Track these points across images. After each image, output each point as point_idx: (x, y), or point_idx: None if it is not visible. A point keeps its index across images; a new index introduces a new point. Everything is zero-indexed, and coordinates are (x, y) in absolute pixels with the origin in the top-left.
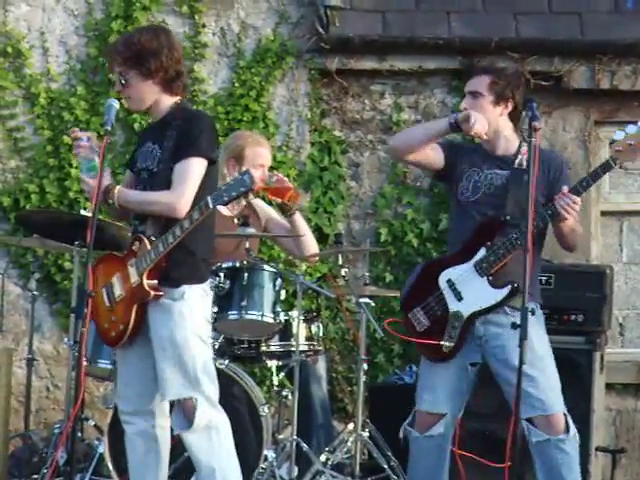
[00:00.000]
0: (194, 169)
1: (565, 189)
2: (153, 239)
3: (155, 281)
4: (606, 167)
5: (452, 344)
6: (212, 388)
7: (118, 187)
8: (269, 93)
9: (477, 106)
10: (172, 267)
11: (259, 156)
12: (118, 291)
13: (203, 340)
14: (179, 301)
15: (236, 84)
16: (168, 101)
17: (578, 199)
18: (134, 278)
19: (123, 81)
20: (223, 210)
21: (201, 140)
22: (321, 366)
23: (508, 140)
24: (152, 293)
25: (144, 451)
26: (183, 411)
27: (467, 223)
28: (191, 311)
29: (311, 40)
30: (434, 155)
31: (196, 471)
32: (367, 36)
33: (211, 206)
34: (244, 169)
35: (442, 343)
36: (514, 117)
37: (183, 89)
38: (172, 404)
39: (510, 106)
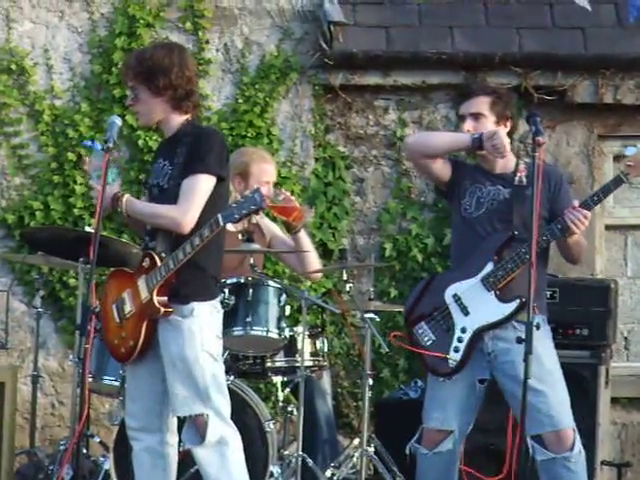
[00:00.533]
0: (201, 185)
1: (576, 203)
2: (163, 255)
3: (165, 298)
4: (617, 182)
5: (458, 359)
6: (224, 403)
7: (127, 196)
8: (273, 109)
9: (480, 127)
10: (182, 284)
11: (265, 173)
12: (128, 307)
13: (213, 356)
14: (188, 318)
15: (240, 100)
16: (178, 119)
17: (588, 214)
18: (144, 294)
19: (133, 96)
20: (228, 226)
21: (210, 157)
22: (326, 381)
23: (507, 158)
24: (162, 310)
25: (151, 467)
26: (195, 427)
27: (471, 239)
28: (201, 328)
29: (315, 56)
30: (443, 167)
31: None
32: (371, 51)
33: (222, 223)
34: (254, 186)
35: (448, 357)
36: (511, 134)
37: (194, 108)
38: (183, 420)
39: (509, 125)
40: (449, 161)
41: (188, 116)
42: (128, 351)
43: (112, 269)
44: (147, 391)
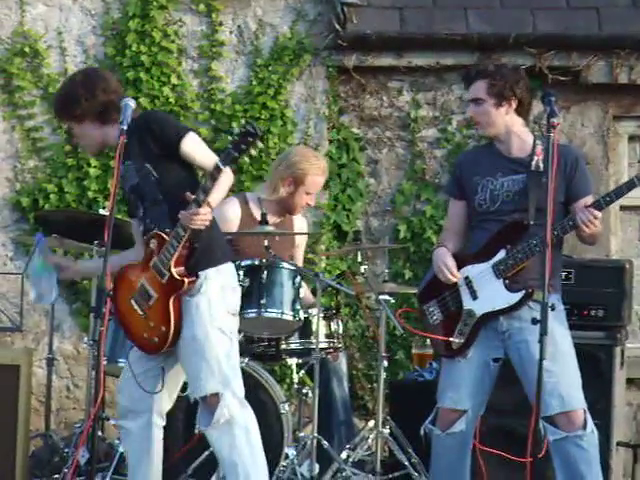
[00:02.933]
0: (197, 139)
1: (588, 201)
2: (168, 230)
3: (183, 268)
4: (630, 185)
5: (461, 341)
6: (238, 382)
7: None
8: (287, 91)
9: (481, 112)
10: (191, 260)
11: (316, 186)
12: (150, 294)
13: (225, 333)
14: (196, 296)
15: (254, 82)
16: (113, 130)
17: (599, 214)
18: (161, 274)
19: (71, 135)
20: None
21: (175, 121)
22: (342, 363)
23: (521, 138)
24: (186, 280)
25: (138, 447)
26: (209, 408)
27: (489, 231)
28: (209, 304)
29: (328, 37)
30: (460, 210)
31: (219, 467)
32: (384, 33)
33: (222, 167)
34: (301, 194)
35: (452, 340)
36: (522, 112)
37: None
38: (196, 401)
39: (514, 103)
40: (456, 198)
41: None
42: (162, 338)
43: (119, 252)
44: (144, 371)
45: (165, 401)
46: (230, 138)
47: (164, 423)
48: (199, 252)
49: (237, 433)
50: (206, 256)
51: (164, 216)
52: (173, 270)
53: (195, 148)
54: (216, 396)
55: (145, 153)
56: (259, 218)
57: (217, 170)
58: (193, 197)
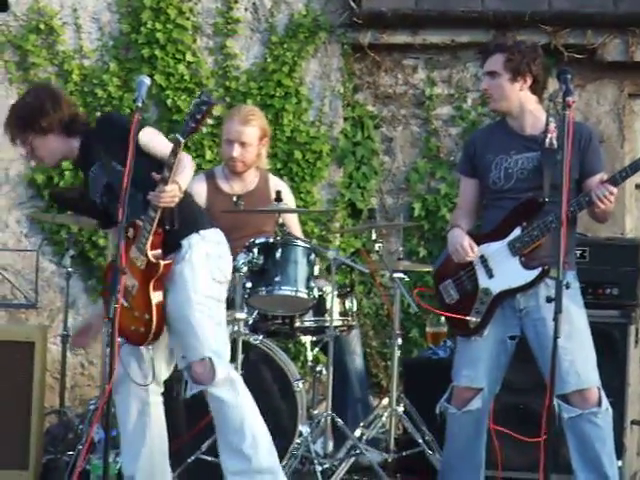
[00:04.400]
0: (152, 131)
1: (604, 177)
2: (142, 217)
3: (159, 251)
4: None
5: (478, 320)
6: (223, 345)
7: (177, 179)
8: (302, 68)
9: (496, 85)
10: (169, 230)
11: (233, 132)
12: (130, 282)
13: (209, 297)
14: (180, 263)
15: (268, 59)
16: (75, 142)
17: (615, 190)
18: (140, 260)
19: (28, 149)
20: (224, 187)
21: (125, 118)
22: (355, 340)
23: (535, 115)
24: (161, 263)
25: (136, 413)
26: (198, 371)
27: (504, 209)
28: (193, 270)
29: (343, 15)
30: (472, 188)
31: (222, 431)
32: (399, 10)
33: (182, 140)
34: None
35: (468, 318)
36: (536, 90)
37: (84, 124)
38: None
39: (529, 80)
40: (467, 176)
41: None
42: (147, 327)
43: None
44: (142, 352)
45: (163, 369)
46: (187, 112)
47: (162, 390)
48: (181, 221)
49: (238, 389)
50: (188, 223)
51: (140, 205)
52: (149, 253)
53: (152, 138)
54: (203, 361)
55: (111, 154)
56: (227, 190)
57: (177, 143)
58: (159, 176)
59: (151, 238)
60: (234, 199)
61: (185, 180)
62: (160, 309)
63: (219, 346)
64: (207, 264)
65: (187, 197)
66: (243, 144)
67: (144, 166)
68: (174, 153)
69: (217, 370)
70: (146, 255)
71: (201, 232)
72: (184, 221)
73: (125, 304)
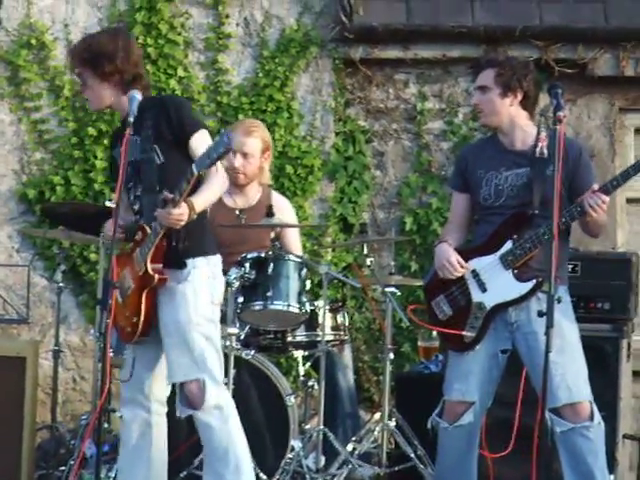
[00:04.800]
0: (207, 139)
1: (595, 187)
2: (152, 224)
3: (159, 265)
4: (637, 168)
5: (473, 334)
6: (217, 368)
7: (193, 199)
8: (293, 83)
9: (486, 100)
10: (176, 248)
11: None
12: (127, 283)
13: (208, 319)
14: (182, 283)
15: (260, 74)
16: (126, 100)
17: (607, 198)
18: (139, 266)
19: (81, 82)
20: (227, 201)
21: (193, 114)
22: (347, 355)
23: (524, 131)
24: (156, 277)
25: (139, 436)
26: (190, 393)
27: (494, 226)
28: (195, 292)
29: (335, 29)
30: (463, 203)
31: (207, 454)
32: (391, 25)
33: (195, 172)
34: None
35: (464, 333)
36: (527, 105)
37: (144, 89)
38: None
39: (519, 95)
40: (458, 190)
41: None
42: (133, 328)
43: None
44: (140, 361)
45: (162, 388)
46: (207, 146)
47: (166, 409)
48: (190, 241)
49: (227, 417)
50: (196, 245)
51: (154, 206)
52: (148, 265)
53: (201, 145)
54: (196, 382)
55: (156, 134)
56: (230, 204)
57: (191, 174)
58: (171, 197)
59: (153, 250)
60: (237, 213)
61: (203, 202)
62: (148, 315)
63: (215, 370)
64: (208, 286)
65: (202, 218)
66: (245, 155)
67: (178, 163)
68: (187, 181)
69: (207, 394)
70: (145, 265)
71: (207, 257)
72: (193, 241)
73: (119, 301)
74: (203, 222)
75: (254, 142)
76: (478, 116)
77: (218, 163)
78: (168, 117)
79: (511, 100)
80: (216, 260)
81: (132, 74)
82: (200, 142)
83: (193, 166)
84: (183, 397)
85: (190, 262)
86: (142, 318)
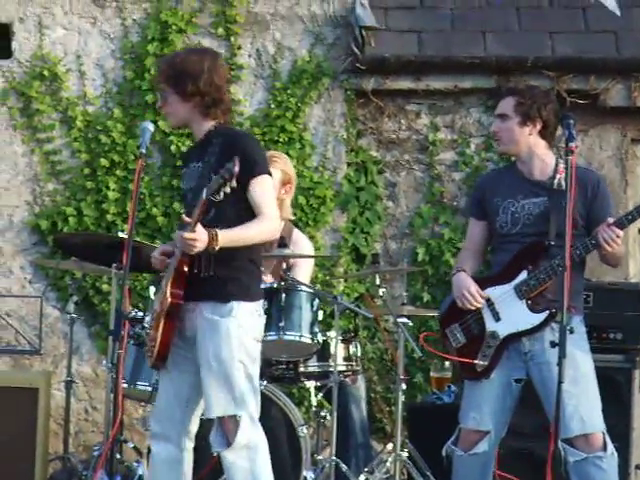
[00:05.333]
0: (269, 186)
1: (610, 220)
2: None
3: (180, 291)
4: None
5: (486, 363)
6: (255, 406)
7: (221, 231)
8: (305, 114)
9: (505, 128)
10: (222, 283)
11: None
12: (154, 307)
13: (251, 358)
14: (227, 318)
15: (272, 105)
16: (207, 124)
17: (621, 233)
18: (162, 291)
19: (163, 98)
20: None
21: (261, 157)
22: (360, 386)
23: (543, 160)
24: (169, 300)
25: (167, 471)
26: (224, 429)
27: (510, 253)
28: (239, 328)
29: (347, 61)
30: (480, 230)
31: None
32: (403, 56)
33: (204, 197)
34: None
35: (476, 362)
36: (546, 135)
37: (224, 114)
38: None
39: (539, 125)
40: (476, 218)
41: (216, 121)
42: (151, 352)
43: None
44: (173, 396)
45: (194, 423)
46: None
47: (193, 445)
48: (234, 282)
49: (253, 457)
50: (242, 289)
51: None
52: (168, 289)
53: (257, 191)
54: (233, 418)
55: (217, 165)
56: None
57: (201, 198)
58: (188, 220)
59: (174, 274)
60: None
61: (230, 238)
62: (165, 342)
63: (252, 408)
64: (252, 322)
65: (251, 263)
66: None
67: (233, 201)
68: (198, 207)
69: (239, 432)
70: (165, 289)
71: (252, 303)
72: (240, 284)
73: (150, 323)
74: (251, 267)
75: (274, 173)
76: (496, 143)
77: (276, 211)
78: (238, 154)
79: (530, 129)
80: (260, 303)
81: (213, 97)
82: (258, 187)
83: (204, 190)
84: (219, 432)
85: (235, 304)
86: (157, 345)
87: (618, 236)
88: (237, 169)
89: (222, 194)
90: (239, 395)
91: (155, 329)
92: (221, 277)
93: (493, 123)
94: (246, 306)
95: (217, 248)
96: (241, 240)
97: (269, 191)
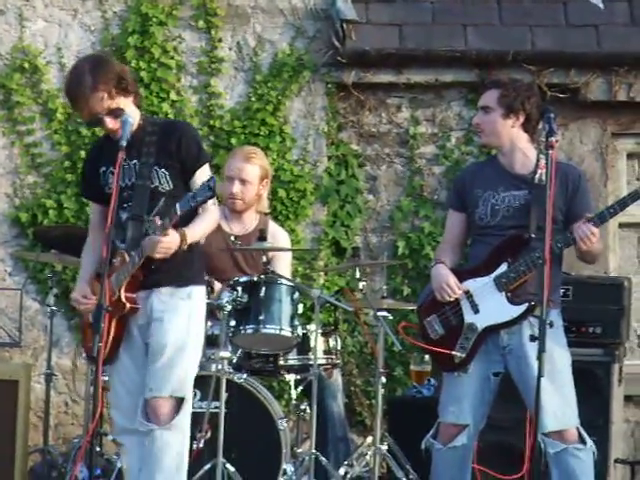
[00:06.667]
0: (207, 173)
1: (588, 216)
2: (132, 254)
3: (133, 295)
4: (634, 196)
5: (463, 355)
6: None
7: (186, 230)
8: (286, 107)
9: (488, 120)
10: (181, 267)
11: (234, 169)
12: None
13: (200, 342)
14: (186, 300)
15: (252, 98)
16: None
17: (596, 230)
18: (113, 291)
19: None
20: (224, 228)
21: (201, 145)
22: (337, 379)
23: (525, 154)
24: (128, 306)
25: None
26: (159, 408)
27: (488, 245)
28: (196, 312)
29: (327, 54)
30: (459, 222)
31: (147, 469)
32: (383, 49)
33: (178, 212)
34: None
35: (454, 353)
36: (528, 128)
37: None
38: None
39: (521, 117)
40: (455, 210)
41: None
42: (99, 352)
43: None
44: (133, 386)
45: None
46: (193, 189)
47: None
48: (192, 267)
49: (184, 442)
50: (195, 273)
51: (139, 234)
52: (122, 293)
53: (200, 179)
54: (177, 399)
55: (160, 157)
56: (226, 230)
57: (174, 212)
58: (160, 222)
59: (129, 279)
60: (232, 239)
61: (195, 234)
62: (114, 343)
63: (191, 394)
64: (203, 307)
65: (199, 248)
66: (243, 181)
67: (182, 192)
68: (170, 219)
69: (181, 414)
70: (119, 291)
71: (202, 286)
72: (192, 267)
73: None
74: (198, 252)
75: (253, 169)
76: (478, 135)
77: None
78: (178, 144)
79: (513, 122)
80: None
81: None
82: (203, 175)
83: (177, 206)
84: (153, 410)
85: (192, 288)
86: (109, 344)
87: (593, 233)
88: (216, 190)
89: (172, 184)
90: (189, 378)
91: (105, 329)
92: (173, 264)
93: (475, 115)
94: (201, 289)
95: (186, 247)
96: (202, 233)
97: (207, 175)
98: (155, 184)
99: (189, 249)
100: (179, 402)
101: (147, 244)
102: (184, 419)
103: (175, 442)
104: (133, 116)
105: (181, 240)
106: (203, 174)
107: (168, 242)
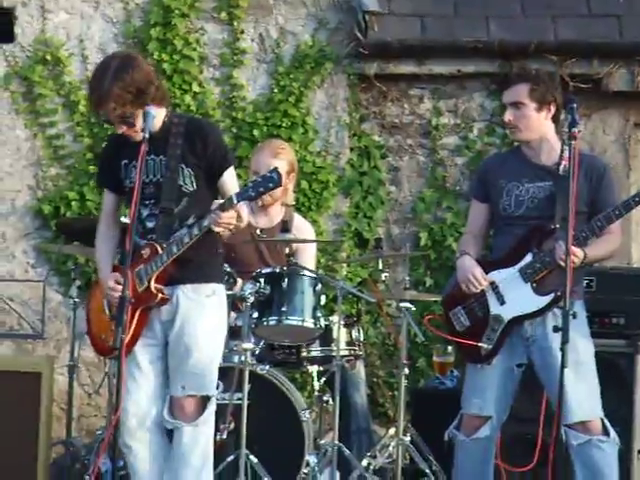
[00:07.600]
0: (233, 175)
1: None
2: (164, 245)
3: (162, 286)
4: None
5: (490, 347)
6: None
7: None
8: (308, 99)
9: (521, 116)
10: (203, 265)
11: (260, 164)
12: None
13: (223, 340)
14: (211, 297)
15: (275, 90)
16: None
17: (580, 252)
18: (140, 283)
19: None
20: (250, 221)
21: (227, 149)
22: (360, 371)
23: (551, 145)
24: (159, 296)
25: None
26: (187, 406)
27: (513, 236)
28: (221, 307)
29: (350, 45)
30: (483, 213)
31: (172, 466)
32: (406, 40)
33: (235, 202)
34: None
35: (480, 345)
36: (556, 119)
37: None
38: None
39: (553, 109)
40: (478, 200)
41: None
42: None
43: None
44: (152, 389)
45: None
46: (254, 178)
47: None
48: (214, 265)
49: (210, 441)
50: (217, 271)
51: (170, 228)
52: (152, 283)
53: (228, 181)
54: (203, 398)
55: (186, 156)
56: (251, 223)
57: (230, 202)
58: (221, 201)
59: (160, 270)
60: (257, 232)
61: (246, 214)
62: (136, 334)
63: (215, 390)
64: (226, 303)
65: (218, 246)
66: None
67: (203, 191)
68: (222, 208)
69: (208, 410)
70: (149, 282)
71: (222, 285)
72: (218, 267)
73: (107, 313)
74: (219, 252)
75: (280, 164)
76: (511, 132)
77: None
78: (205, 145)
79: (545, 114)
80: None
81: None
82: (230, 177)
83: (234, 196)
84: (181, 408)
85: (215, 285)
86: (130, 335)
87: (576, 255)
88: (280, 179)
89: (195, 185)
90: (215, 375)
91: (127, 319)
92: (198, 261)
93: (506, 112)
94: (222, 287)
95: (242, 225)
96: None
97: (234, 178)
98: (180, 182)
99: (216, 251)
100: (205, 399)
101: (211, 219)
102: (210, 416)
103: (202, 439)
104: (158, 112)
105: (237, 216)
106: (231, 176)
107: (228, 216)
